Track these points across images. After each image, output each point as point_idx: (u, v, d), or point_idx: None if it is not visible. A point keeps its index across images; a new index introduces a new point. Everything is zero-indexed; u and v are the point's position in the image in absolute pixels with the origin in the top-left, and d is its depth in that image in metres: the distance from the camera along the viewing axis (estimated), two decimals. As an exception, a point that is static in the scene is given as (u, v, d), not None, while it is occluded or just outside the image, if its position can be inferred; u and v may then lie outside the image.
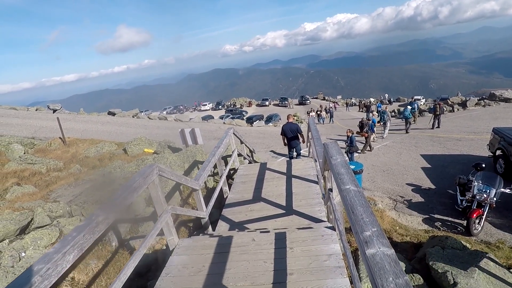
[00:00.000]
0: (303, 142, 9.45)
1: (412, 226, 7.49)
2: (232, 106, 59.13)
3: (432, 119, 17.03)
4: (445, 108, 19.86)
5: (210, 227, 4.89)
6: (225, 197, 6.26)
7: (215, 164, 6.28)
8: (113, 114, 23.30)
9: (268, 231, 3.72)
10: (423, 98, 41.96)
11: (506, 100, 20.90)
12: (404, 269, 4.62)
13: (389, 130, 16.36)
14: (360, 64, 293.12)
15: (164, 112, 52.27)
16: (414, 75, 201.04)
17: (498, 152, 9.64)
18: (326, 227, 3.53)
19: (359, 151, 13.22)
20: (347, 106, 46.60)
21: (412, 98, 24.99)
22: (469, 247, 5.53)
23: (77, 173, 9.64)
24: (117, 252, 5.25)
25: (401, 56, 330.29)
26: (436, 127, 16.70)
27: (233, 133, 7.41)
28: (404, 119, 17.14)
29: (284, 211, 5.14)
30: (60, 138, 13.38)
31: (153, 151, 11.76)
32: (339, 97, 67.53)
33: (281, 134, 9.38)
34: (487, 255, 4.88)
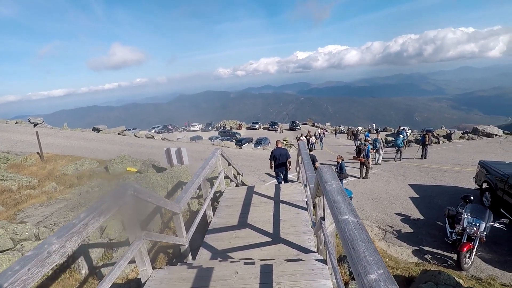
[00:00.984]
0: (289, 169, 9.49)
1: (402, 258, 7.21)
2: (222, 127, 59.10)
3: (421, 149, 17.23)
4: (432, 139, 20.24)
5: (190, 256, 4.48)
6: (208, 221, 5.87)
7: (200, 185, 5.97)
8: (98, 130, 22.65)
9: (253, 263, 3.37)
10: (409, 129, 42.95)
11: (488, 135, 21.52)
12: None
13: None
14: (349, 93, 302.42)
15: (153, 131, 51.53)
16: (400, 107, 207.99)
17: (485, 185, 9.64)
18: (316, 259, 3.22)
19: (358, 177, 13.74)
20: (335, 133, 47.17)
21: (399, 128, 25.44)
22: (463, 284, 5.27)
23: (52, 191, 9.07)
24: (86, 281, 4.74)
25: (388, 88, 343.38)
26: (424, 158, 16.86)
27: (221, 154, 7.12)
28: (396, 148, 17.34)
29: (271, 239, 4.80)
30: (38, 153, 12.76)
31: (136, 170, 11.32)
32: (328, 124, 68.58)
33: (270, 159, 9.36)
34: (483, 294, 4.61)
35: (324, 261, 3.16)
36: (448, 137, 22.78)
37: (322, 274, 2.96)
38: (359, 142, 17.17)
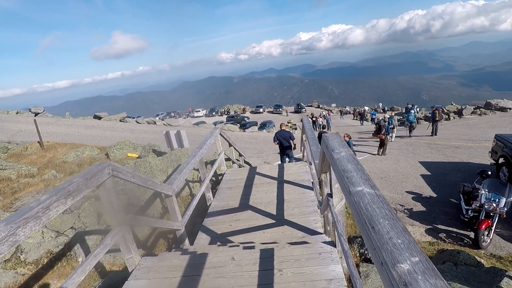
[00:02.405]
0: (295, 148, 9.36)
1: (415, 237, 6.84)
2: (227, 112, 58.56)
3: (431, 126, 16.63)
4: (443, 115, 19.51)
5: (187, 240, 4.15)
6: (208, 204, 5.54)
7: (198, 167, 5.60)
8: (99, 118, 22.32)
9: (253, 247, 3.01)
10: (416, 107, 41.80)
11: (502, 109, 20.65)
12: None
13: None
14: (354, 74, 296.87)
15: (157, 118, 51.31)
16: (406, 86, 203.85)
17: (501, 160, 9.13)
18: (324, 242, 2.84)
19: (375, 153, 13.81)
20: (341, 114, 46.32)
21: (408, 104, 24.68)
22: (484, 264, 4.89)
23: (51, 179, 8.83)
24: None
25: (394, 67, 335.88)
26: (434, 135, 16.28)
27: (220, 134, 6.72)
28: (408, 123, 17.06)
29: (274, 221, 4.44)
30: (38, 142, 12.52)
31: (137, 156, 11.05)
32: (333, 105, 67.44)
33: (274, 141, 9.24)
34: (507, 274, 4.22)
35: (332, 244, 2.78)
36: (459, 113, 21.95)
37: (330, 258, 2.57)
38: (377, 120, 16.82)
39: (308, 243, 2.91)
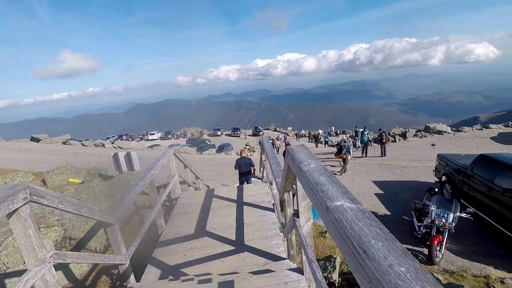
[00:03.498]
0: (254, 174, 9.66)
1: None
2: (184, 135, 57.08)
3: (380, 147, 17.65)
4: (389, 137, 20.93)
5: (132, 277, 3.57)
6: (160, 232, 4.97)
7: (147, 191, 5.06)
8: (37, 140, 20.04)
9: (210, 280, 2.60)
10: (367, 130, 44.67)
11: (439, 132, 22.88)
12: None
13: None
14: (308, 99, 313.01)
15: (107, 141, 48.06)
16: (355, 112, 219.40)
17: (444, 178, 9.77)
18: (289, 269, 2.53)
19: (338, 173, 14.04)
20: (297, 137, 47.78)
21: (357, 127, 26.22)
22: (442, 280, 4.93)
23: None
24: None
25: (343, 94, 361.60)
26: (383, 156, 17.26)
27: (174, 155, 6.24)
28: (362, 145, 17.95)
29: (233, 247, 4.05)
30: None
31: (80, 181, 9.94)
32: (289, 128, 69.54)
33: (235, 168, 9.35)
34: (464, 289, 4.26)
35: (299, 271, 2.49)
36: (404, 136, 23.84)
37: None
38: (345, 137, 17.47)
39: (273, 271, 2.58)
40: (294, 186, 3.81)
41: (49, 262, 2.24)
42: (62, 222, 5.54)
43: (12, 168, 12.06)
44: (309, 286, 2.34)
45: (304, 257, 2.24)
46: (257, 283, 2.37)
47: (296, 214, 2.32)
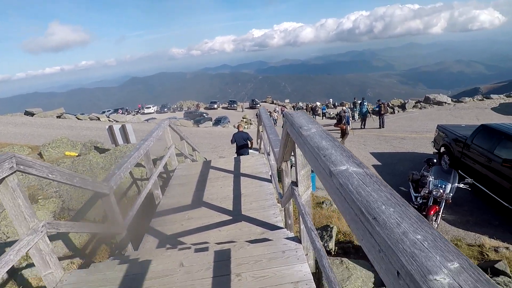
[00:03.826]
0: (251, 147, 9.55)
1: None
2: (180, 108, 56.46)
3: (378, 119, 17.53)
4: (388, 109, 20.75)
5: (130, 245, 3.57)
6: (157, 203, 4.95)
7: (144, 163, 4.98)
8: (32, 114, 19.70)
9: (207, 249, 2.58)
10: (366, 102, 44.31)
11: (438, 103, 22.63)
12: (373, 279, 3.82)
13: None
14: (305, 71, 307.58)
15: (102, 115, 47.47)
16: (353, 83, 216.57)
17: (442, 149, 9.75)
18: (287, 238, 2.50)
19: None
20: (294, 110, 47.48)
21: (355, 99, 25.94)
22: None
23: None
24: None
25: (342, 65, 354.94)
26: (382, 127, 17.18)
27: (169, 126, 6.10)
28: (361, 116, 17.88)
29: (230, 217, 4.04)
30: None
31: (76, 154, 9.85)
32: (287, 101, 68.80)
33: (232, 142, 9.30)
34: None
35: (297, 240, 2.46)
36: (403, 107, 23.63)
37: (295, 256, 2.25)
38: (345, 107, 17.27)
39: (270, 240, 2.56)
40: (292, 157, 3.74)
41: (41, 232, 2.18)
42: (60, 194, 5.53)
43: (8, 142, 11.90)
44: (307, 254, 2.32)
45: (302, 226, 2.19)
46: (254, 251, 2.35)
47: (294, 183, 2.24)
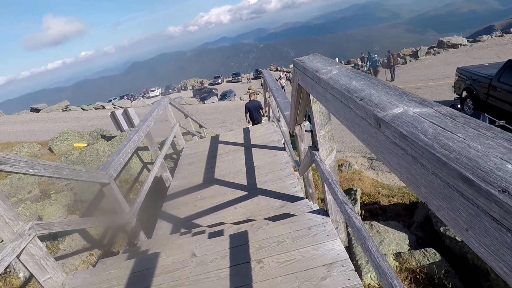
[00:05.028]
0: (264, 116, 9.35)
1: (395, 184, 6.57)
2: (185, 87, 55.79)
3: (388, 72, 16.60)
4: (398, 59, 19.54)
5: (142, 234, 3.35)
6: (167, 186, 4.70)
7: (145, 145, 4.68)
8: (38, 110, 19.70)
9: (221, 233, 2.28)
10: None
11: (454, 46, 21.13)
12: (408, 241, 3.51)
13: None
14: (307, 33, 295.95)
15: (108, 103, 47.42)
16: (358, 39, 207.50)
17: (464, 93, 9.06)
18: (311, 211, 2.15)
19: None
20: (300, 74, 46.08)
21: (362, 54, 24.65)
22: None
23: (-21, 186, 7.39)
24: (27, 285, 3.60)
25: (345, 21, 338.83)
26: (393, 80, 16.28)
27: (170, 103, 5.72)
28: (372, 68, 17.13)
29: (246, 192, 3.75)
30: (-41, 145, 10.60)
31: (85, 145, 9.75)
32: (291, 66, 66.86)
33: (246, 112, 9.10)
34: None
35: (323, 212, 2.11)
36: (415, 56, 22.26)
37: (324, 232, 1.90)
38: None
39: (292, 215, 2.22)
40: (305, 120, 3.32)
41: (29, 235, 1.91)
42: (70, 186, 5.42)
43: (18, 141, 11.91)
44: (337, 228, 1.97)
45: (329, 196, 1.83)
46: (275, 231, 2.02)
47: (314, 147, 1.85)
